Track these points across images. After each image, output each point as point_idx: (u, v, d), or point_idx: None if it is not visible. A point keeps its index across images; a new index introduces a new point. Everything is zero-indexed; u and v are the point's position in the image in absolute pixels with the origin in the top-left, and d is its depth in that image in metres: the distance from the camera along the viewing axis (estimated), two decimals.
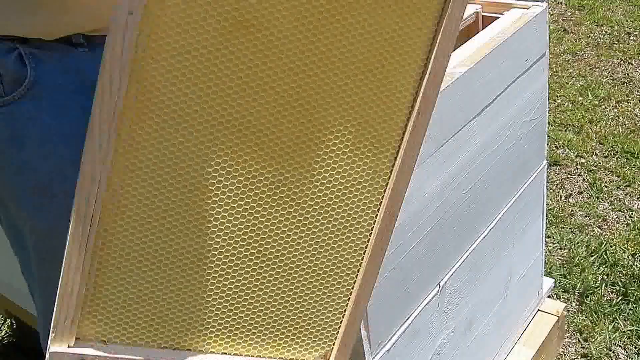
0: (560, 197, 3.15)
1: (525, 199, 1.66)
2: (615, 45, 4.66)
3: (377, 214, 0.93)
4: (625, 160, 3.43)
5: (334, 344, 0.98)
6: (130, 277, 0.88)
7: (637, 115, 3.81)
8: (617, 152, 3.50)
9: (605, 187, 3.25)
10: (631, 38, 4.76)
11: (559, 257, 2.81)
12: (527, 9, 1.55)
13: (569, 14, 5.25)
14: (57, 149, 1.31)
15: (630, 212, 3.08)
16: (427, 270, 1.35)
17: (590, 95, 3.98)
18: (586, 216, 3.07)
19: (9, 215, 1.37)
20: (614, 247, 2.87)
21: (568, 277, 2.68)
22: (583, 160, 3.42)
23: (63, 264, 0.86)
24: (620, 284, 2.64)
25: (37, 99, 1.28)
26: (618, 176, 3.32)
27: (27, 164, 1.30)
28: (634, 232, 2.94)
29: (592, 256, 2.82)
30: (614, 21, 5.01)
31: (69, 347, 0.87)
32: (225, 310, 0.92)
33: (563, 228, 2.96)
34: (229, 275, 0.90)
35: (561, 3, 5.44)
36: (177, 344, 0.92)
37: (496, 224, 1.55)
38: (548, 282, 2.05)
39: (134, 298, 0.89)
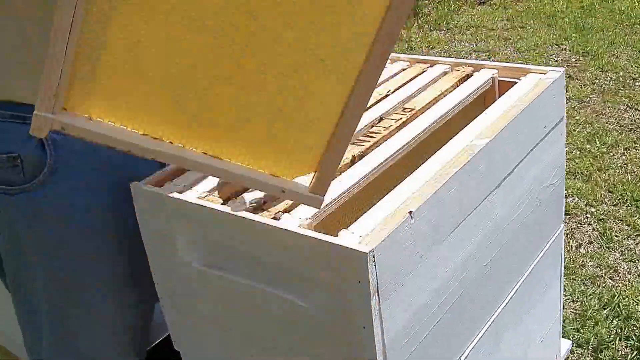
0: (571, 247, 3.08)
1: (544, 263, 1.61)
2: (620, 91, 4.62)
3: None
4: (635, 208, 3.37)
5: (316, 168, 0.94)
6: (118, 56, 0.84)
7: None
8: (626, 200, 3.44)
9: (616, 236, 3.19)
10: (636, 84, 4.72)
11: (572, 310, 2.74)
12: (545, 74, 1.51)
13: (574, 60, 5.22)
14: (72, 236, 1.29)
15: None
16: (449, 347, 1.29)
17: (597, 142, 3.93)
18: (597, 267, 3.01)
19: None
20: (626, 299, 2.81)
21: (581, 330, 2.61)
22: (593, 209, 3.36)
23: (53, 26, 0.81)
24: (634, 337, 2.57)
25: (57, 185, 1.26)
26: (628, 225, 3.26)
27: (43, 248, 1.29)
28: None
29: (604, 309, 2.75)
30: (619, 67, 4.97)
31: (53, 113, 0.84)
32: (210, 106, 0.88)
33: (575, 280, 2.90)
34: (216, 70, 0.86)
35: (565, 49, 5.42)
36: (158, 135, 0.89)
37: (516, 292, 1.50)
38: (565, 345, 1.99)
39: (124, 79, 0.85)
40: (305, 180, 0.95)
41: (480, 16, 6.37)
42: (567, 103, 4.45)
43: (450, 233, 1.20)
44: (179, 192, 1.23)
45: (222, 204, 1.19)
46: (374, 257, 1.01)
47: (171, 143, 0.89)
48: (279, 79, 0.87)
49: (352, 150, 1.31)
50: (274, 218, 1.13)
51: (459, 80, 1.55)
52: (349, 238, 1.04)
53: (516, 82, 1.52)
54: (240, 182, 0.95)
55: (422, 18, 6.37)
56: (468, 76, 1.57)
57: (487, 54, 5.46)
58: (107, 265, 1.33)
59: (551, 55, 5.33)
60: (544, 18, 6.11)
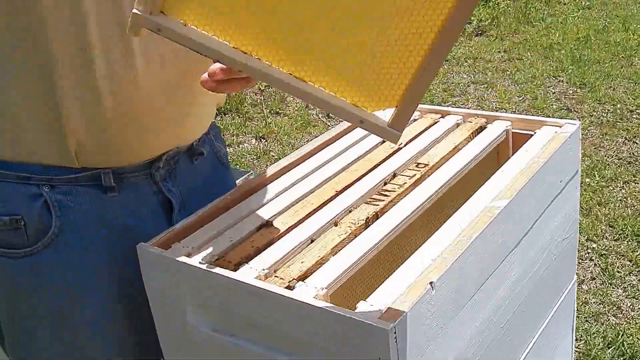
0: None
1: (558, 316, 1.54)
2: (618, 123, 4.58)
3: None
4: (636, 243, 3.32)
5: (397, 103, 0.93)
6: None
7: None
8: (627, 235, 3.39)
9: (618, 272, 3.13)
10: (634, 116, 4.68)
11: (576, 349, 2.67)
12: (560, 127, 1.45)
13: (571, 92, 5.18)
14: (76, 300, 1.22)
15: None
16: None
17: (597, 176, 3.88)
18: (600, 304, 2.95)
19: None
20: (630, 337, 2.75)
21: None
22: (594, 245, 3.31)
23: None
24: None
25: (61, 249, 1.19)
26: (630, 261, 3.20)
27: (48, 314, 1.22)
28: None
29: (609, 347, 2.69)
30: (616, 99, 4.93)
31: (150, 13, 0.86)
32: (303, 33, 0.88)
33: (578, 317, 2.82)
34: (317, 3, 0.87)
35: (562, 81, 5.38)
36: (247, 49, 0.89)
37: (531, 348, 1.43)
38: None
39: None
40: (385, 114, 0.94)
41: (477, 47, 6.34)
42: None
43: (470, 299, 1.14)
44: (187, 255, 1.16)
45: (232, 269, 1.12)
46: (395, 333, 0.94)
47: (259, 59, 0.90)
48: (373, 22, 0.88)
49: (366, 210, 1.24)
50: (288, 287, 1.06)
51: (472, 133, 1.48)
52: (368, 312, 0.97)
53: (530, 135, 1.46)
54: (321, 107, 0.94)
55: None
56: (481, 128, 1.51)
57: (485, 85, 5.42)
58: (113, 328, 1.26)
59: (549, 87, 5.28)
60: (540, 50, 6.08)
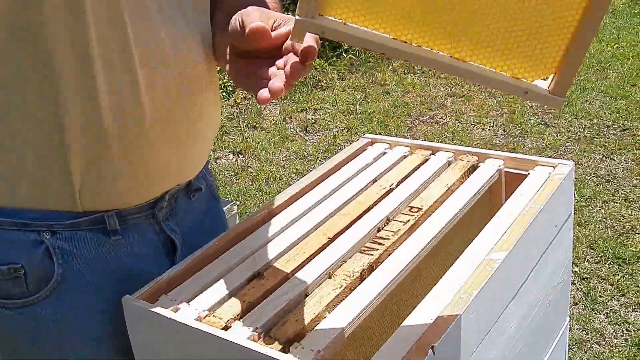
0: None
1: (552, 358, 1.52)
2: (595, 139, 4.59)
3: None
4: (617, 267, 3.32)
5: (555, 70, 0.94)
6: None
7: (624, 217, 3.70)
8: (608, 257, 3.38)
9: (600, 297, 3.12)
10: (610, 132, 4.69)
11: None
12: (554, 167, 1.42)
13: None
14: (76, 350, 1.17)
15: (627, 325, 2.94)
16: None
17: (576, 195, 3.87)
18: (583, 330, 2.93)
19: None
20: None
21: None
22: (576, 268, 3.29)
23: None
24: None
25: (63, 298, 1.15)
26: (612, 285, 3.20)
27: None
28: (633, 348, 2.80)
29: None
30: (593, 114, 4.95)
31: (312, 17, 0.89)
32: (460, 15, 0.90)
33: None
34: None
35: None
36: (407, 38, 0.92)
37: None
38: None
39: None
40: (545, 83, 0.96)
41: None
42: (543, 152, 4.41)
43: (473, 353, 1.11)
44: (175, 310, 1.12)
45: (223, 327, 1.08)
46: None
47: (419, 46, 0.92)
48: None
49: (361, 261, 1.21)
50: (283, 350, 1.02)
51: (464, 173, 1.45)
52: None
53: (523, 174, 1.44)
54: (484, 83, 0.97)
55: (396, 61, 6.31)
56: (473, 167, 1.48)
57: (463, 98, 5.42)
58: None
59: (526, 101, 5.28)
60: None
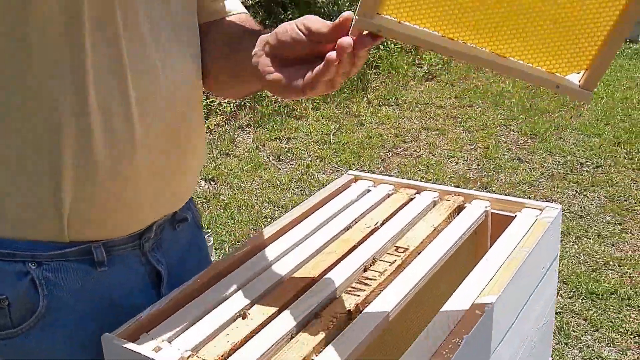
0: None
1: None
2: (569, 175, 4.62)
3: None
4: (590, 302, 3.33)
5: (587, 66, 1.01)
6: None
7: (597, 253, 3.72)
8: (581, 292, 3.39)
9: (573, 331, 3.12)
10: (584, 168, 4.73)
11: None
12: (541, 210, 1.42)
13: (521, 141, 5.23)
14: None
15: None
16: None
17: None
18: None
19: None
20: None
21: None
22: None
23: None
24: None
25: (48, 328, 1.12)
26: (585, 320, 3.20)
27: None
28: None
29: None
30: (566, 150, 4.99)
31: (371, 17, 0.96)
32: (499, 14, 0.97)
33: None
34: None
35: (513, 130, 5.43)
36: (454, 36, 0.98)
37: None
38: None
39: None
40: (577, 77, 1.02)
41: (428, 92, 6.37)
42: (517, 187, 4.43)
43: None
44: (155, 350, 1.09)
45: None
46: None
47: (464, 43, 0.99)
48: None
49: (347, 301, 1.18)
50: None
51: (450, 213, 1.44)
52: None
53: (509, 216, 1.43)
54: (520, 77, 1.02)
55: (371, 93, 6.34)
56: (460, 208, 1.47)
57: (437, 132, 5.44)
58: None
59: (500, 136, 5.33)
60: (491, 97, 6.14)
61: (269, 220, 4.28)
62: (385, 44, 7.17)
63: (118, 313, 1.16)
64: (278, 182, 4.74)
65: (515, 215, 1.42)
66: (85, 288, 1.15)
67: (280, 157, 5.15)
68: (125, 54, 1.07)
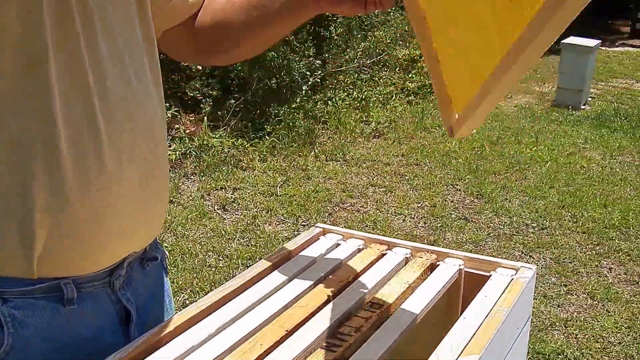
0: None
1: None
2: (515, 237, 4.66)
3: None
4: None
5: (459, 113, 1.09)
6: None
7: (542, 313, 3.75)
8: (528, 352, 3.39)
9: None
10: (530, 230, 4.78)
11: None
12: (516, 270, 1.40)
13: (468, 201, 5.27)
14: None
15: None
16: None
17: None
18: None
19: None
20: None
21: None
22: None
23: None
24: None
25: None
26: None
27: None
28: None
29: None
30: (512, 211, 5.04)
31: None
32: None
33: None
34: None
35: (460, 190, 5.47)
36: None
37: None
38: None
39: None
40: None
41: (375, 150, 6.41)
42: (463, 246, 4.45)
43: None
44: None
45: None
46: None
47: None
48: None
49: (323, 357, 1.14)
50: None
51: (424, 271, 1.42)
52: None
53: (484, 275, 1.41)
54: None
55: (318, 147, 6.34)
56: (433, 265, 1.45)
57: (384, 189, 5.46)
58: None
59: (447, 195, 5.36)
60: (438, 157, 6.20)
61: (213, 269, 4.22)
62: (332, 99, 7.21)
63: (85, 352, 1.12)
64: (223, 232, 4.68)
65: (490, 275, 1.40)
66: (53, 326, 1.10)
67: (226, 207, 5.09)
68: (92, 82, 1.04)
